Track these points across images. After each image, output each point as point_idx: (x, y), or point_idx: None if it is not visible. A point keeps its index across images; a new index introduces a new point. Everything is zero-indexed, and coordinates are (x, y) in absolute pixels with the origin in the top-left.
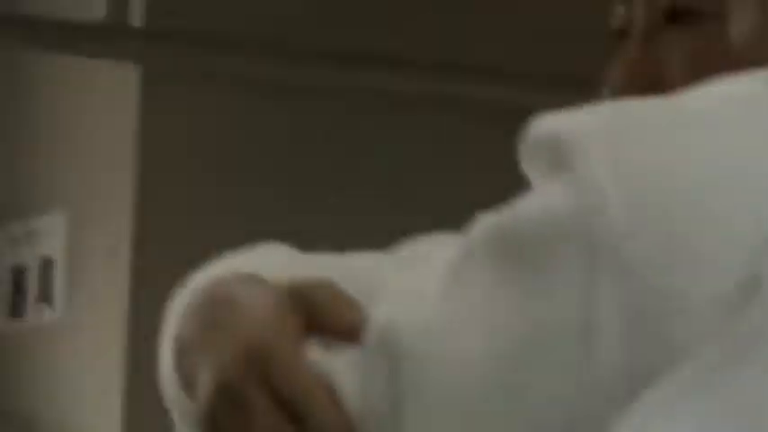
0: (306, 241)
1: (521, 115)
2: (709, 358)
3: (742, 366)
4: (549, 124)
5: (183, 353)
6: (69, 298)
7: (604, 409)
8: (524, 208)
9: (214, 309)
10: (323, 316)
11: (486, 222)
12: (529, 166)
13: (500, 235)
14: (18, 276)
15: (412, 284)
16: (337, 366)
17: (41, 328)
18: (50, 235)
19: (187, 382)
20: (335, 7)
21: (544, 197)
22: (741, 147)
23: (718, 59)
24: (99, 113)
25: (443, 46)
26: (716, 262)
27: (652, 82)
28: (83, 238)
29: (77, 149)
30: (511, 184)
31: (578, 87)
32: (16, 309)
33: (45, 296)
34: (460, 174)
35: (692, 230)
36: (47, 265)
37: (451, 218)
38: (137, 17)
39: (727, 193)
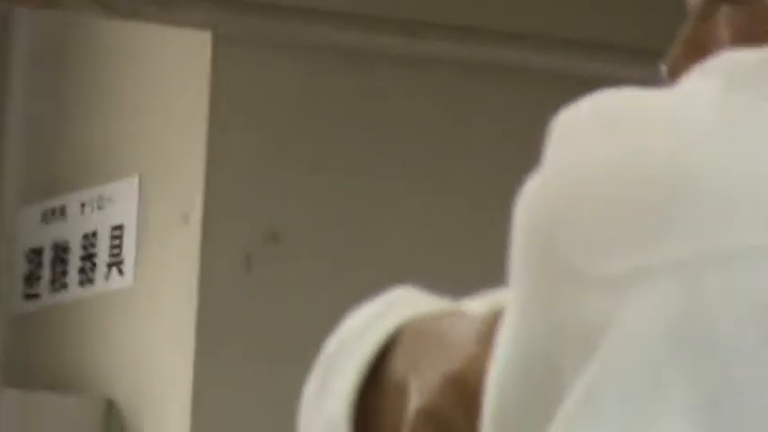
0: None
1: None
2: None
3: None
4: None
5: (382, 388)
6: (140, 265)
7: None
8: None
9: (419, 343)
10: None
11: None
12: None
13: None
14: (89, 243)
15: None
16: None
17: (112, 295)
18: (122, 201)
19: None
20: None
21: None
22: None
23: (762, 39)
24: (171, 81)
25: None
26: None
27: (705, 60)
28: (154, 205)
29: (150, 117)
30: None
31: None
32: (87, 276)
33: (116, 263)
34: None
35: (599, 225)
36: (118, 232)
37: None
38: None
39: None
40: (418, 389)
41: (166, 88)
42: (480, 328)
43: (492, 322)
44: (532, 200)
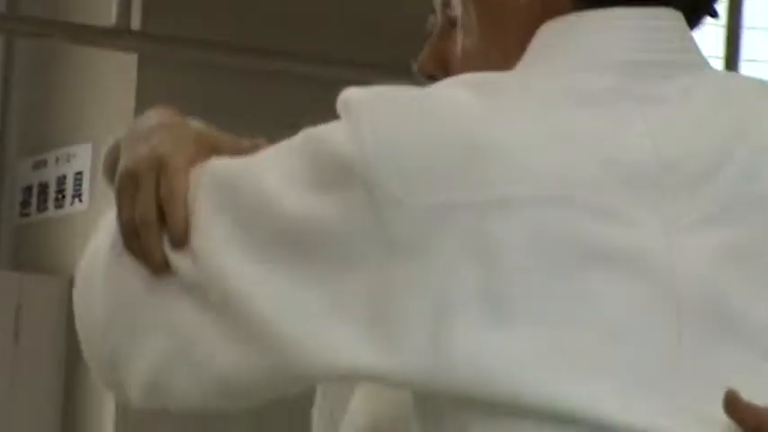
0: None
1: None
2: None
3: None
4: (347, 92)
5: (119, 150)
6: (93, 196)
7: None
8: (324, 130)
9: (150, 131)
10: (222, 147)
11: (306, 130)
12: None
13: (307, 139)
14: (61, 183)
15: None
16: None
17: (75, 215)
18: (82, 157)
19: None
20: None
21: (334, 130)
22: (478, 123)
23: (459, 58)
24: (108, 88)
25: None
26: (420, 187)
27: (444, 68)
28: (100, 160)
29: (97, 111)
30: None
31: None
32: (59, 203)
33: (77, 195)
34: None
35: (408, 166)
36: (79, 176)
37: None
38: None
39: (431, 146)
40: (128, 156)
41: (105, 94)
42: (195, 136)
43: (201, 136)
44: (366, 154)
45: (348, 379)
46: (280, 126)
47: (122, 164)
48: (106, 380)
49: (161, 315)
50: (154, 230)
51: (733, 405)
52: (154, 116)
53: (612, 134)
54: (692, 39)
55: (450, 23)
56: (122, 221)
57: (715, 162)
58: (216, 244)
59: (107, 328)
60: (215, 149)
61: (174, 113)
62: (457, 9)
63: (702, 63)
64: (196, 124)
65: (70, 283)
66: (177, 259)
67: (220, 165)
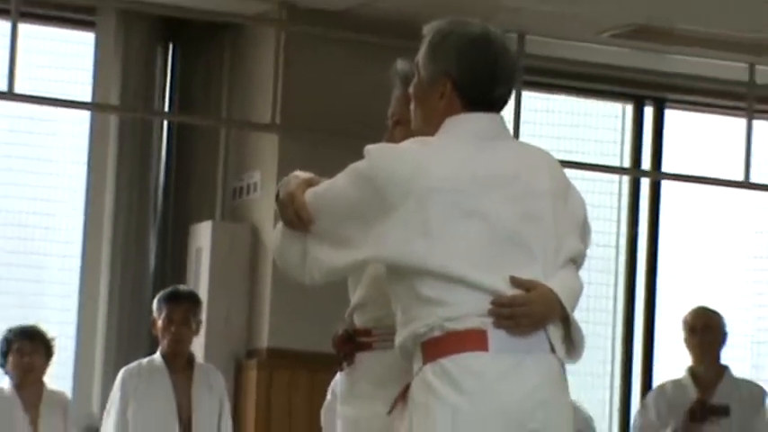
0: None
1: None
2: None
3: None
4: (366, 147)
5: (279, 188)
6: None
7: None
8: (360, 164)
9: (288, 180)
10: (315, 183)
11: (359, 162)
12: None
13: (356, 167)
14: None
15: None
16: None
17: None
18: None
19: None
20: None
21: (360, 162)
22: (419, 155)
23: (412, 135)
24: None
25: None
26: (396, 183)
27: (401, 141)
28: None
29: None
30: None
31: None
32: None
33: None
34: None
35: (404, 170)
36: None
37: None
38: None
39: (400, 165)
40: (282, 192)
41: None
42: (301, 181)
43: (305, 180)
44: (377, 167)
45: (377, 263)
46: None
47: (281, 194)
48: (293, 276)
49: (306, 246)
50: (296, 222)
51: (514, 280)
52: (293, 174)
53: (476, 159)
54: (505, 124)
55: (400, 119)
56: (284, 220)
57: (514, 174)
58: (319, 221)
59: (290, 257)
60: (313, 184)
61: (301, 172)
62: (411, 107)
63: (510, 136)
64: (305, 175)
65: (254, 230)
66: (310, 229)
67: (312, 190)
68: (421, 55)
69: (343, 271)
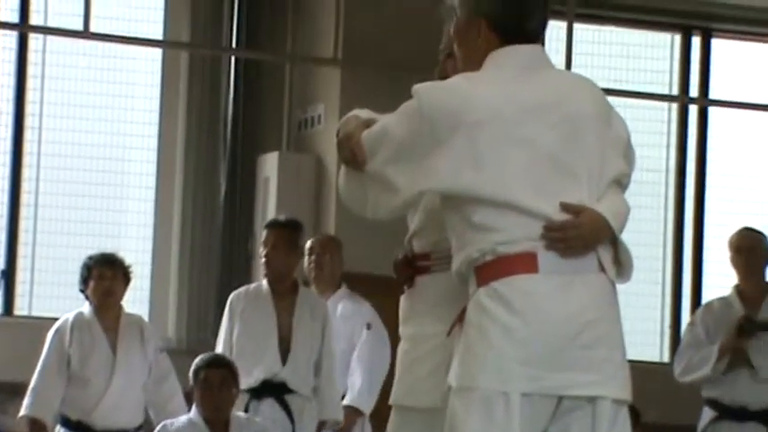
0: None
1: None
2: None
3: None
4: (414, 86)
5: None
6: None
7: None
8: (410, 103)
9: (348, 119)
10: (372, 123)
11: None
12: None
13: (406, 106)
14: None
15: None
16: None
17: None
18: None
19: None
20: None
21: (410, 101)
22: (464, 89)
23: (456, 67)
24: None
25: None
26: (445, 116)
27: (452, 74)
28: None
29: None
30: None
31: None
32: None
33: None
34: None
35: (451, 105)
36: None
37: None
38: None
39: (465, 101)
40: (344, 131)
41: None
42: (361, 121)
43: (364, 121)
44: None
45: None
46: None
47: (340, 134)
48: (359, 213)
49: (366, 186)
50: (353, 161)
51: (563, 205)
52: (353, 113)
53: (519, 88)
54: (546, 54)
55: (452, 52)
56: (342, 159)
57: (558, 101)
58: (373, 160)
59: (353, 195)
60: (371, 125)
61: (361, 110)
62: (454, 48)
63: (551, 65)
64: (366, 114)
65: (318, 161)
66: (367, 168)
67: (367, 131)
68: None
69: (402, 208)
